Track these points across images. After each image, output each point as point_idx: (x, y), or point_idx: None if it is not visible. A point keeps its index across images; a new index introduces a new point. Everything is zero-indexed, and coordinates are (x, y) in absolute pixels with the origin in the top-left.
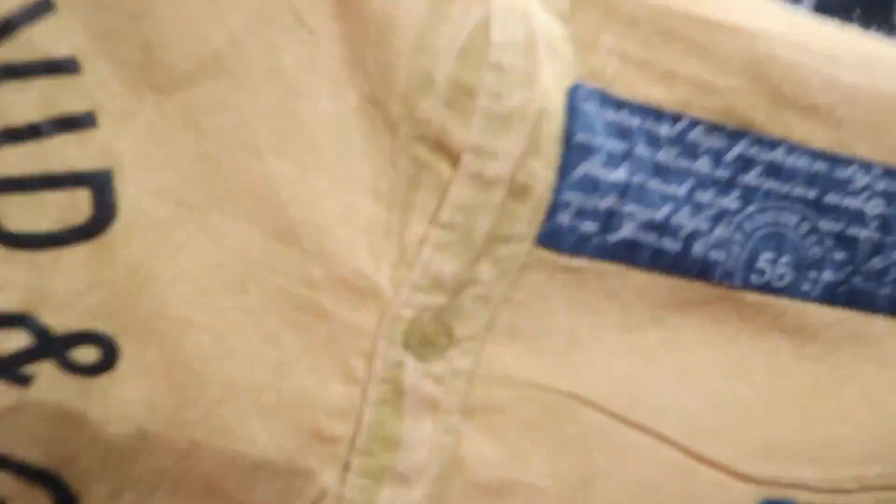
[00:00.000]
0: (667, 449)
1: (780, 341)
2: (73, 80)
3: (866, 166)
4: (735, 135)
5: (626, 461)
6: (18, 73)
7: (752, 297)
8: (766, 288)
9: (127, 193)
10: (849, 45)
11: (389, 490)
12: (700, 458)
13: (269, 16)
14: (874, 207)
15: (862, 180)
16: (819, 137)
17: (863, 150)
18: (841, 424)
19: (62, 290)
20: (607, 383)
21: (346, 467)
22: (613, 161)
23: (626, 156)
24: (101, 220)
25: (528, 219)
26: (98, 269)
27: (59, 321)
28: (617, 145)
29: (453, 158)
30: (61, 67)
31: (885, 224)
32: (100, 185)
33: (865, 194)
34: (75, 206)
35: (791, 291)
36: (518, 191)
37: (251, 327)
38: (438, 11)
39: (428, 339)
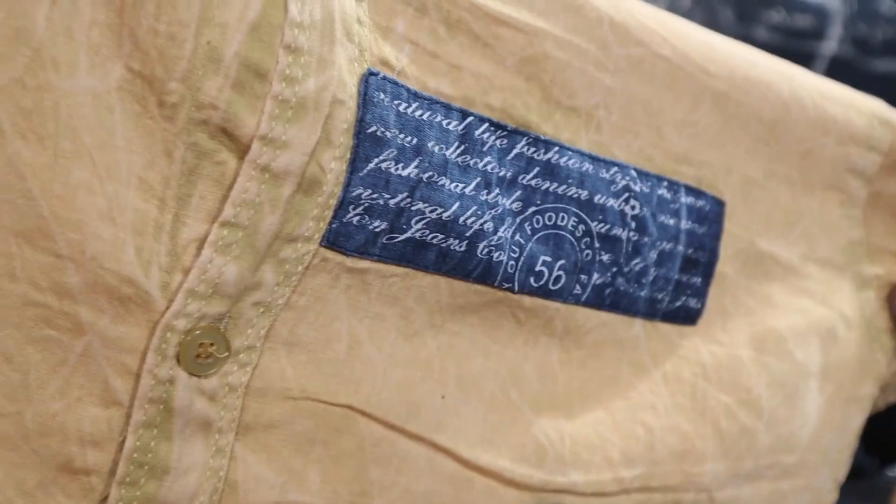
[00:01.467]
0: (443, 459)
1: (551, 346)
2: None
3: (623, 168)
4: (515, 134)
5: (403, 473)
6: None
7: (528, 301)
8: (542, 292)
9: None
10: (632, 40)
11: None
12: (475, 468)
13: None
14: (632, 208)
15: (621, 182)
16: (583, 139)
17: (619, 152)
18: (603, 427)
19: None
20: (386, 393)
21: (103, 502)
22: (405, 156)
23: (418, 151)
24: None
25: (315, 216)
26: None
27: None
28: (409, 139)
29: (240, 148)
30: None
31: (640, 225)
32: None
33: (624, 196)
34: None
35: (563, 295)
36: (308, 185)
37: None
38: None
39: (202, 351)
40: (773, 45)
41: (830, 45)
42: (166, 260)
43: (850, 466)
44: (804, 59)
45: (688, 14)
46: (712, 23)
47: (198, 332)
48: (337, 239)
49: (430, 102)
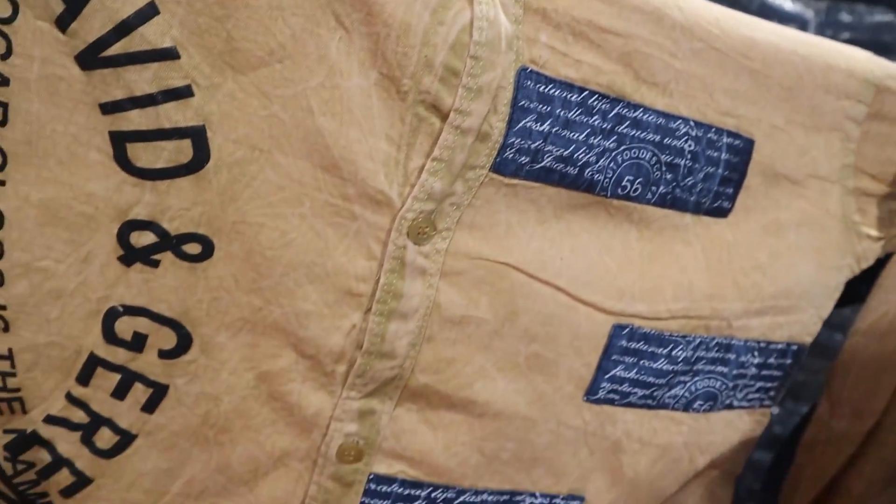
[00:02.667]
0: (560, 295)
1: (631, 229)
2: (175, 64)
3: (686, 120)
4: (615, 101)
5: (536, 302)
6: (137, 59)
7: (617, 203)
8: (626, 197)
9: (216, 141)
10: (695, 37)
11: (395, 324)
12: (579, 300)
13: (319, 20)
14: (689, 146)
15: (683, 129)
16: (659, 102)
17: (683, 110)
18: (661, 278)
19: (175, 206)
20: (527, 255)
21: (367, 311)
22: (541, 118)
23: (549, 115)
24: (199, 160)
25: (486, 154)
26: (199, 192)
27: (173, 227)
28: (545, 107)
29: (442, 116)
30: (166, 54)
31: (694, 156)
32: (197, 136)
33: (685, 138)
34: (181, 150)
35: (640, 199)
36: (482, 136)
37: (305, 227)
38: (437, 18)
39: (421, 230)
40: None
41: None
42: (401, 179)
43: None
44: None
45: None
46: None
47: (419, 220)
48: (499, 167)
49: (560, 83)
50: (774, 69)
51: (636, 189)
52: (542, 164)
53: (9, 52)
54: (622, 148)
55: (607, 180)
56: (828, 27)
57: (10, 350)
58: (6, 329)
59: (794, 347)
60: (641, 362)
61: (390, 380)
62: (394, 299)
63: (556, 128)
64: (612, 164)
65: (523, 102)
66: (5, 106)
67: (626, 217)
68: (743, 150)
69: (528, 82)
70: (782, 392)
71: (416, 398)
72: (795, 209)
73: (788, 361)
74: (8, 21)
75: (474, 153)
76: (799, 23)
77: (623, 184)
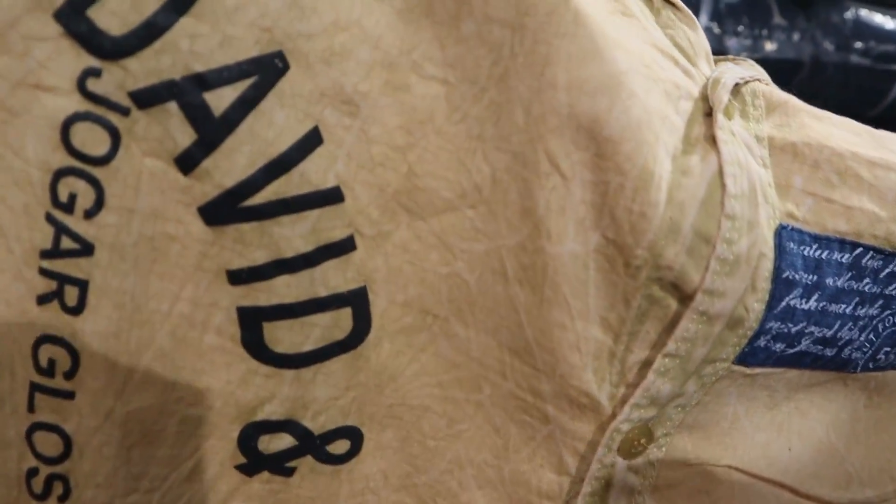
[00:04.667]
0: (784, 493)
1: (861, 396)
2: (338, 209)
3: None
4: (890, 256)
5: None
6: (293, 207)
7: (860, 374)
8: (875, 368)
9: (378, 305)
10: None
11: None
12: (804, 495)
13: (528, 160)
14: None
15: None
16: None
17: None
18: (889, 451)
19: (322, 397)
20: (753, 452)
21: None
22: (808, 292)
23: (816, 286)
24: (358, 333)
25: (733, 344)
26: (353, 374)
27: (317, 424)
28: (810, 278)
29: (683, 297)
30: (329, 198)
31: None
32: (358, 302)
33: None
34: (337, 324)
35: (886, 367)
36: (732, 322)
37: (481, 417)
38: (680, 166)
39: (635, 443)
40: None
41: None
42: (615, 378)
43: None
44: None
45: (797, 46)
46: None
47: (635, 430)
48: (745, 358)
49: (828, 242)
50: None
51: (889, 359)
52: (798, 348)
53: (98, 206)
54: (886, 314)
55: (863, 357)
56: None
57: None
58: None
59: None
60: None
61: None
62: None
63: (823, 303)
64: (872, 336)
65: (787, 274)
66: (84, 286)
67: (861, 386)
68: None
69: (791, 244)
70: None
71: None
72: None
73: None
74: (102, 161)
75: (719, 344)
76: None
77: (878, 356)
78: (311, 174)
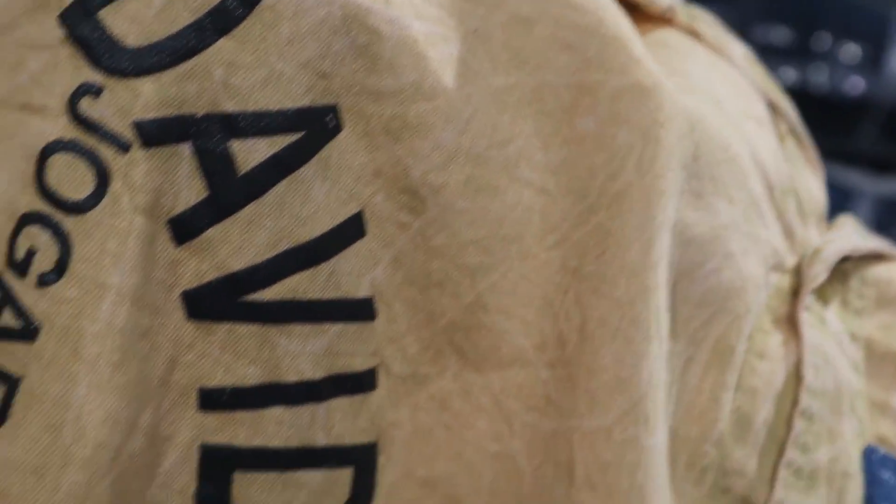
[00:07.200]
0: None
1: None
2: (365, 329)
3: None
4: None
5: None
6: (310, 314)
7: None
8: None
9: (388, 475)
10: None
11: None
12: None
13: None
14: None
15: None
16: None
17: None
18: None
19: None
20: None
21: None
22: None
23: None
24: (356, 500)
25: None
26: None
27: None
28: None
29: None
30: (356, 312)
31: None
32: (363, 464)
33: None
34: (331, 489)
35: None
36: None
37: None
38: (756, 345)
39: None
40: None
41: None
42: None
43: None
44: None
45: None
46: None
47: None
48: None
49: None
50: None
51: None
52: None
53: (58, 272)
54: None
55: None
56: None
57: None
58: None
59: None
60: None
61: None
62: None
63: None
64: None
65: None
66: (12, 387)
67: None
68: None
69: (887, 475)
70: None
71: None
72: None
73: None
74: (77, 209)
75: None
76: None
77: None
78: (343, 275)
